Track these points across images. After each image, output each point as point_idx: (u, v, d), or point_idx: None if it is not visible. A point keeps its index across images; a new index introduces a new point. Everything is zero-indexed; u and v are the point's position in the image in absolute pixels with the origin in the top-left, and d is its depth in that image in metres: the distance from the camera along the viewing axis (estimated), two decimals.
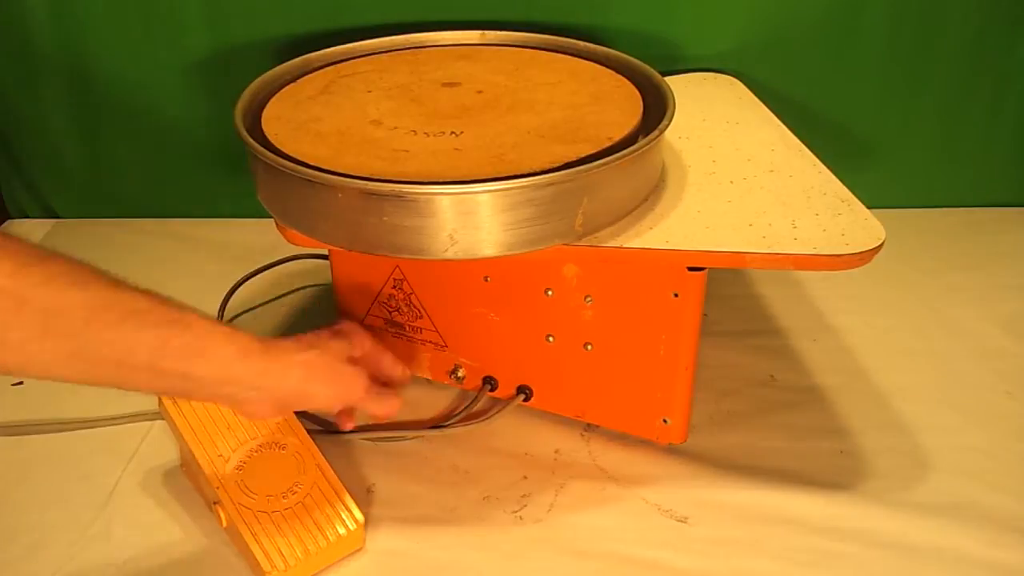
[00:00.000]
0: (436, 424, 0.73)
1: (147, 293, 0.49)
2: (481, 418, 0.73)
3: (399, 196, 0.54)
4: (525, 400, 0.72)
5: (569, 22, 0.88)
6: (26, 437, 0.72)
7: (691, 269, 0.60)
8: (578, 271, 0.64)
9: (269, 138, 0.63)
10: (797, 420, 0.73)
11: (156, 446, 0.71)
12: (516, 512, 0.65)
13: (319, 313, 0.88)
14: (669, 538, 0.63)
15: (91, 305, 0.45)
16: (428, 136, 0.63)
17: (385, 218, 0.56)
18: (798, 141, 0.73)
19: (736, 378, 0.78)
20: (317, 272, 0.93)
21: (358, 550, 0.62)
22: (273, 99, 0.70)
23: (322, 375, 0.55)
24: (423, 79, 0.73)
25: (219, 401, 0.57)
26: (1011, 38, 0.91)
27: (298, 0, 0.89)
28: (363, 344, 0.61)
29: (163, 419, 0.65)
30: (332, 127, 0.64)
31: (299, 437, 0.64)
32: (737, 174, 0.68)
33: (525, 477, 0.68)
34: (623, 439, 0.71)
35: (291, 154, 0.60)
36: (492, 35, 0.81)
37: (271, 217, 0.63)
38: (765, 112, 0.80)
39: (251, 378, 0.51)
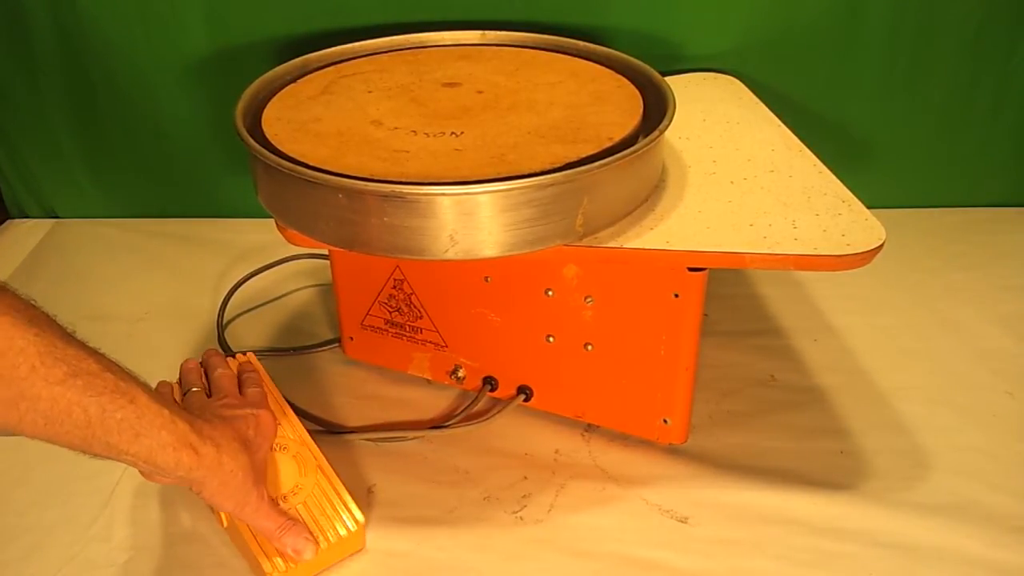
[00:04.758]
0: (436, 424, 0.73)
1: (95, 353, 0.47)
2: (481, 418, 0.72)
3: (399, 196, 0.54)
4: (525, 400, 0.72)
5: (569, 22, 0.88)
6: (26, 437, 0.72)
7: (691, 269, 0.60)
8: (578, 271, 0.64)
9: (269, 138, 0.63)
10: (797, 420, 0.73)
11: None
12: (516, 512, 0.65)
13: (319, 313, 0.88)
14: (669, 538, 0.63)
15: (41, 352, 0.43)
16: (428, 136, 0.63)
17: (385, 219, 0.55)
18: (798, 141, 0.73)
19: (736, 378, 0.78)
20: (317, 272, 0.93)
21: (359, 551, 0.62)
22: (273, 99, 0.70)
23: (232, 495, 0.54)
24: (423, 79, 0.73)
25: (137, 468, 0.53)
26: (1011, 38, 0.91)
27: (298, 0, 0.88)
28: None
29: None
30: (332, 127, 0.64)
31: (300, 438, 0.64)
32: (737, 174, 0.68)
33: (525, 477, 0.68)
34: (623, 439, 0.71)
35: (291, 154, 0.60)
36: (492, 35, 0.81)
37: (271, 217, 0.63)
38: (765, 112, 0.80)
39: (174, 469, 0.50)
